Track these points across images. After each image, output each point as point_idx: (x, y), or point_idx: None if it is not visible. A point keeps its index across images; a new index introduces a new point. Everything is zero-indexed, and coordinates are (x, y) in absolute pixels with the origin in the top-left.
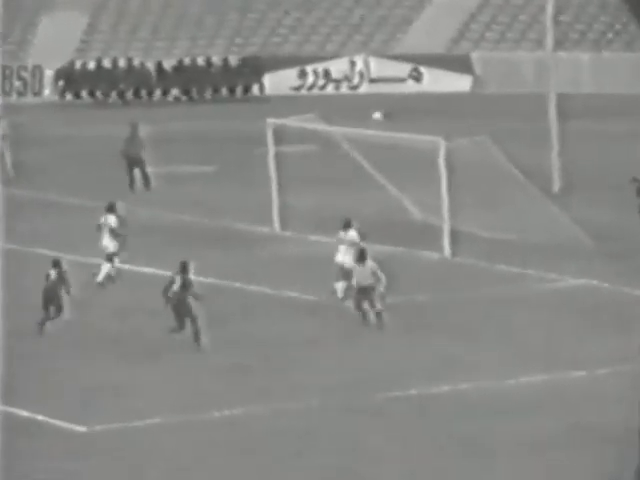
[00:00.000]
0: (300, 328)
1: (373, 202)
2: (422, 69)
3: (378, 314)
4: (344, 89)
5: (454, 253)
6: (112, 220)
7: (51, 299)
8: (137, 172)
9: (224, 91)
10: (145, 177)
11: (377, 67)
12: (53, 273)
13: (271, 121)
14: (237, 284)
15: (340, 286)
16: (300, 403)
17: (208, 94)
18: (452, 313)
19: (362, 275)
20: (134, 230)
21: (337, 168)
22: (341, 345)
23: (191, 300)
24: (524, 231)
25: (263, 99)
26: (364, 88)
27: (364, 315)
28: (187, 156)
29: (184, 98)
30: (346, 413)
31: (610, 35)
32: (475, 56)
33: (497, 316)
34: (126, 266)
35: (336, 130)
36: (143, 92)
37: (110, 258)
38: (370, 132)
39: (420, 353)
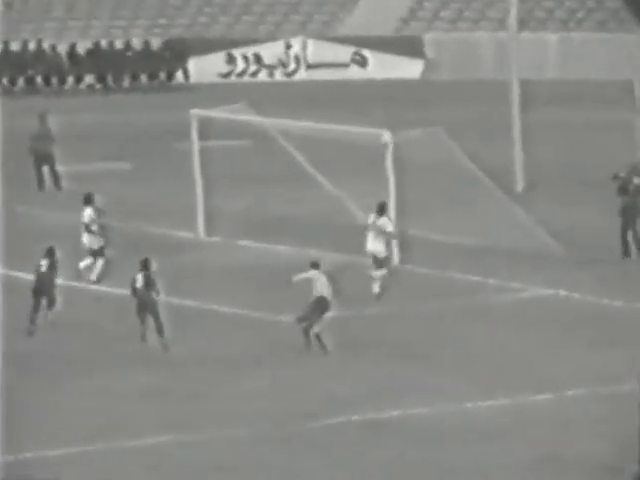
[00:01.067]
0: (227, 346)
1: (311, 203)
2: (367, 53)
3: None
4: (278, 76)
5: (404, 260)
6: (86, 214)
7: (43, 291)
8: (46, 170)
9: (144, 78)
10: (55, 175)
11: (316, 51)
12: (45, 263)
13: (196, 112)
14: (167, 297)
15: (377, 274)
16: (226, 432)
17: (126, 81)
18: (403, 328)
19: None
20: (40, 235)
21: (271, 165)
22: (275, 365)
23: (154, 296)
24: (484, 235)
25: (187, 87)
26: (301, 75)
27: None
28: (102, 152)
29: (99, 86)
30: (279, 443)
31: (581, 13)
32: (427, 38)
33: (454, 331)
34: (29, 276)
35: (269, 122)
36: (54, 79)
37: (95, 254)
38: (308, 125)
39: (366, 374)
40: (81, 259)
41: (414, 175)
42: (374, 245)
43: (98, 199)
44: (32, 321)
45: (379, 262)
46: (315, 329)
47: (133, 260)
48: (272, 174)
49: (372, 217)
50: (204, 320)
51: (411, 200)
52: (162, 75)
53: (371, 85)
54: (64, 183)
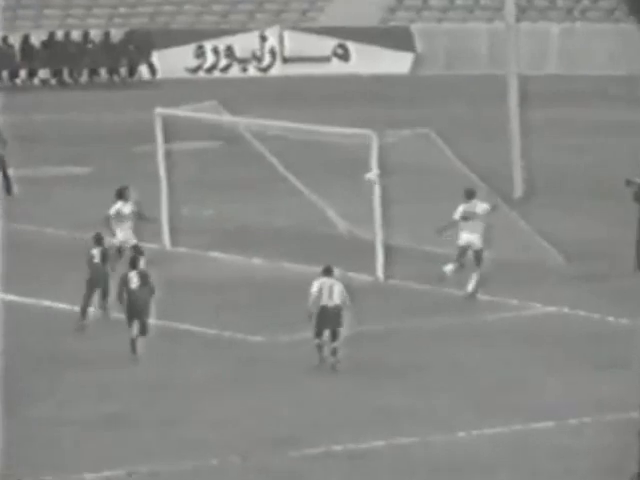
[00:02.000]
0: (197, 369)
1: (289, 212)
2: (350, 46)
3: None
4: (252, 71)
5: (390, 275)
6: (126, 208)
7: (97, 282)
8: None
9: (104, 73)
10: (6, 181)
11: (294, 43)
12: (96, 253)
13: (161, 111)
14: (115, 314)
15: (474, 277)
16: (195, 462)
17: (84, 77)
18: (389, 349)
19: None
20: None
21: (244, 170)
22: (247, 390)
23: (148, 296)
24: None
25: (152, 83)
26: (277, 70)
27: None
28: (57, 155)
29: (54, 81)
30: (252, 474)
31: (586, 2)
32: (416, 29)
33: (445, 353)
34: None
35: (242, 123)
36: (4, 73)
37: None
38: (284, 125)
39: (349, 398)
40: (30, 271)
41: (402, 181)
42: (471, 236)
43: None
44: (83, 314)
45: (478, 256)
46: (335, 343)
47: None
48: (245, 179)
49: (462, 206)
50: (171, 340)
51: (398, 207)
52: (123, 70)
53: (354, 81)
54: (16, 189)
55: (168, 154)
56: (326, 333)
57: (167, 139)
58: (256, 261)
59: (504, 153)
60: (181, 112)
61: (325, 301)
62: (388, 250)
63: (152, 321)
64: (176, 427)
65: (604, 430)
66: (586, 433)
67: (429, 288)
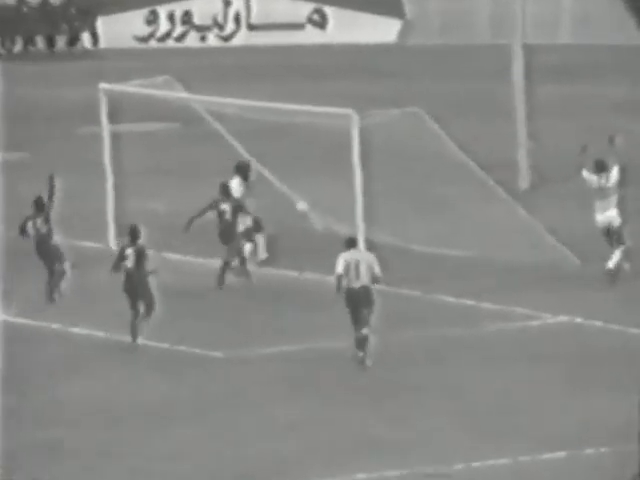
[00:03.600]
0: (143, 389)
1: (256, 206)
2: (327, 10)
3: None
4: (213, 40)
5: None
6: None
7: (136, 292)
8: None
9: (41, 42)
10: None
11: (262, 8)
12: (130, 253)
13: (106, 87)
14: (55, 325)
15: (617, 254)
16: None
17: (18, 46)
18: (373, 365)
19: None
20: None
21: (202, 156)
22: (203, 415)
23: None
24: (478, 246)
25: (96, 54)
26: (242, 38)
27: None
28: None
29: None
30: None
31: None
32: None
33: (439, 370)
34: None
35: (200, 101)
36: None
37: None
38: (250, 104)
39: (326, 424)
40: None
41: (388, 168)
42: (607, 213)
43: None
44: (134, 331)
45: (616, 233)
46: (363, 331)
47: (25, 279)
48: (205, 167)
49: (595, 179)
50: (116, 356)
51: (384, 200)
52: (63, 39)
53: (332, 52)
54: None
55: (115, 137)
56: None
57: (113, 120)
58: (218, 263)
59: (508, 136)
60: (130, 88)
61: (352, 282)
62: (372, 249)
63: (100, 334)
64: (117, 459)
65: (625, 462)
66: (604, 465)
67: (420, 294)
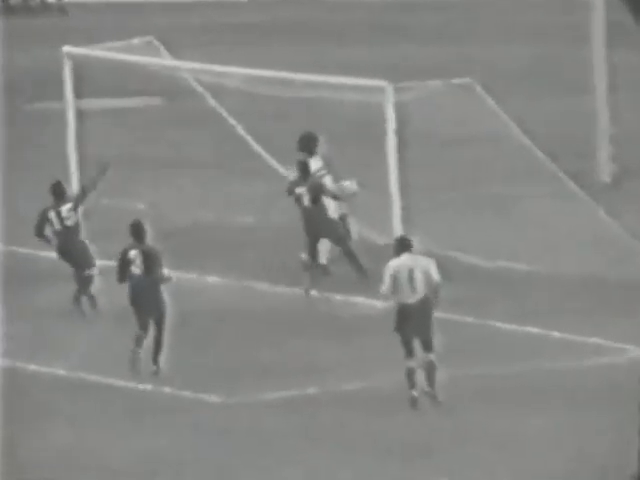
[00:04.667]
0: (119, 445)
1: (261, 205)
2: None
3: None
4: None
5: None
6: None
7: (147, 305)
8: None
9: None
10: None
11: None
12: (135, 254)
13: (70, 50)
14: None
15: None
16: None
17: None
18: (417, 412)
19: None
20: None
21: (193, 142)
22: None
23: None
24: (546, 258)
25: (58, 9)
26: None
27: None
28: None
29: None
30: None
31: None
32: None
33: (487, 417)
34: None
35: (191, 70)
36: None
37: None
38: (254, 73)
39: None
40: None
41: (431, 157)
42: None
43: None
44: (135, 358)
45: None
46: (430, 357)
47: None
48: (195, 156)
49: None
50: (86, 400)
51: (427, 199)
52: None
53: (361, 6)
54: None
55: (81, 115)
56: (417, 347)
57: (80, 93)
58: (212, 279)
59: (584, 117)
60: (100, 53)
61: (405, 296)
62: None
63: (62, 372)
64: None
65: None
66: None
67: (473, 319)
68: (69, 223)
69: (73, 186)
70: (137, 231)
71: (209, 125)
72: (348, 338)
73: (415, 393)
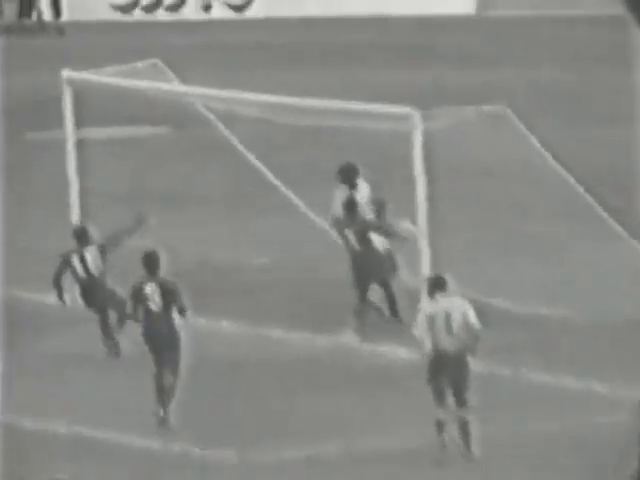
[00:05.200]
0: None
1: (277, 243)
2: None
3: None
4: (219, 10)
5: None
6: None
7: (164, 348)
8: None
9: None
10: None
11: None
12: (152, 289)
13: (71, 75)
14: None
15: None
16: None
17: None
18: (444, 473)
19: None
20: None
21: (202, 174)
22: None
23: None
24: (587, 303)
25: (57, 29)
26: (259, 7)
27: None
28: None
29: None
30: None
31: None
32: None
33: (527, 474)
34: None
35: (201, 96)
36: None
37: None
38: (268, 99)
39: None
40: None
41: (460, 191)
42: None
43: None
44: (161, 401)
45: None
46: (463, 412)
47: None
48: (205, 189)
49: None
50: (87, 458)
51: (457, 236)
52: (13, 6)
53: (386, 27)
54: None
55: (82, 145)
56: (449, 397)
57: (81, 121)
58: (223, 325)
59: (627, 146)
60: (103, 77)
61: (441, 342)
62: None
63: (65, 429)
64: None
65: None
66: None
67: (508, 372)
68: (94, 270)
69: (73, 220)
70: (152, 262)
71: (220, 156)
72: (372, 390)
73: (445, 448)
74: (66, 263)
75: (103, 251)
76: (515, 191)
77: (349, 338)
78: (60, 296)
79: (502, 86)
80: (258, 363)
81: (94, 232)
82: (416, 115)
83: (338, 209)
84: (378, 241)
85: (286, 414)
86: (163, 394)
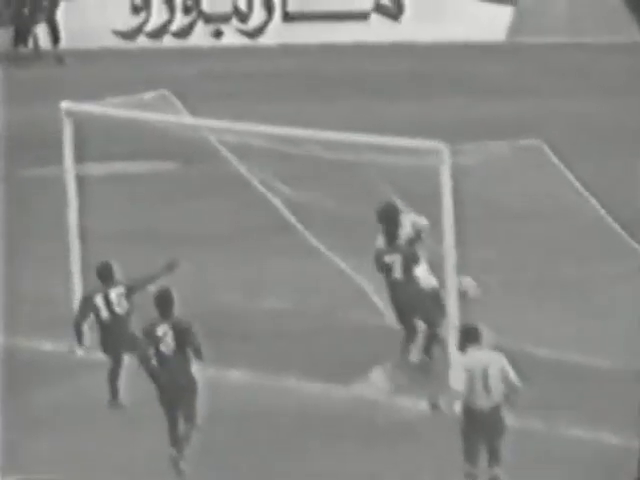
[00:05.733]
0: None
1: (294, 287)
2: None
3: None
4: (232, 36)
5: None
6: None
7: (177, 396)
8: None
9: None
10: None
11: None
12: (164, 331)
13: (71, 107)
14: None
15: None
16: None
17: None
18: None
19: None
20: None
21: (215, 214)
22: None
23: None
24: (628, 351)
25: (55, 57)
26: (274, 33)
27: None
28: None
29: None
30: None
31: None
32: None
33: None
34: None
35: (212, 129)
36: None
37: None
38: (287, 132)
39: None
40: None
41: (493, 230)
42: None
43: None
44: (177, 448)
45: None
46: (495, 471)
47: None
48: (215, 228)
49: None
50: None
51: (488, 281)
52: (8, 33)
53: (409, 54)
54: None
55: (84, 181)
56: (482, 455)
57: (82, 156)
58: (235, 375)
59: None
60: (106, 109)
61: (478, 400)
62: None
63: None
64: None
65: None
66: None
67: (543, 427)
68: (119, 310)
69: (72, 261)
70: (165, 302)
71: (233, 193)
72: (393, 444)
73: None
74: (88, 304)
75: (130, 292)
76: (550, 231)
77: (369, 389)
78: (80, 341)
79: (536, 118)
80: (270, 416)
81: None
82: (445, 150)
83: (380, 240)
84: (424, 277)
85: (300, 469)
86: (177, 442)
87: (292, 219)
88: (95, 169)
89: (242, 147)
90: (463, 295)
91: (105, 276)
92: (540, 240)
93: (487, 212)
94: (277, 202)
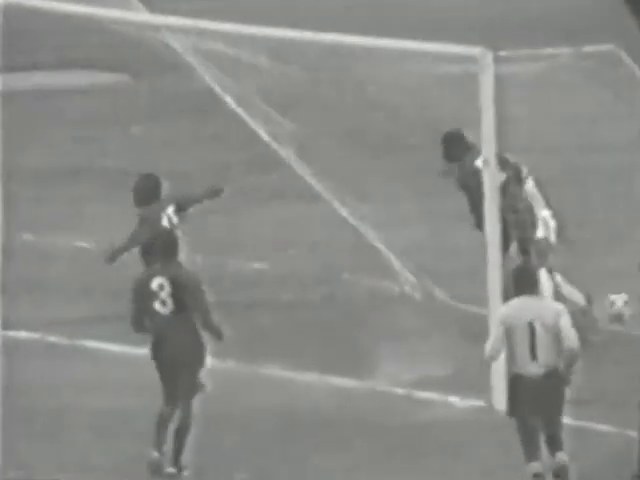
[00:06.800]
0: None
1: (309, 253)
2: None
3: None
4: None
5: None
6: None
7: (180, 359)
8: None
9: None
10: None
11: None
12: (162, 284)
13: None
14: None
15: None
16: None
17: None
18: None
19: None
20: None
21: (176, 143)
22: None
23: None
24: None
25: None
26: None
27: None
28: None
29: None
30: None
31: None
32: None
33: None
34: None
35: (179, 28)
36: None
37: None
38: (279, 33)
39: None
40: None
41: (549, 167)
42: None
43: None
44: (159, 444)
45: None
46: (559, 457)
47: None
48: (176, 165)
49: None
50: None
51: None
52: None
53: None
54: None
55: (10, 98)
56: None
57: (10, 64)
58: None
59: None
60: (46, 1)
61: (522, 364)
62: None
63: None
64: None
65: None
66: None
67: (611, 428)
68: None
69: None
70: (168, 245)
71: (200, 115)
72: (418, 447)
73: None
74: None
75: (179, 209)
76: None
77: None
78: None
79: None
80: (294, 414)
81: None
82: (487, 55)
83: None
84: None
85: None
86: (165, 433)
87: (281, 153)
88: (26, 80)
89: (218, 55)
90: (618, 318)
91: (151, 194)
92: (607, 179)
93: (539, 142)
94: (260, 130)
